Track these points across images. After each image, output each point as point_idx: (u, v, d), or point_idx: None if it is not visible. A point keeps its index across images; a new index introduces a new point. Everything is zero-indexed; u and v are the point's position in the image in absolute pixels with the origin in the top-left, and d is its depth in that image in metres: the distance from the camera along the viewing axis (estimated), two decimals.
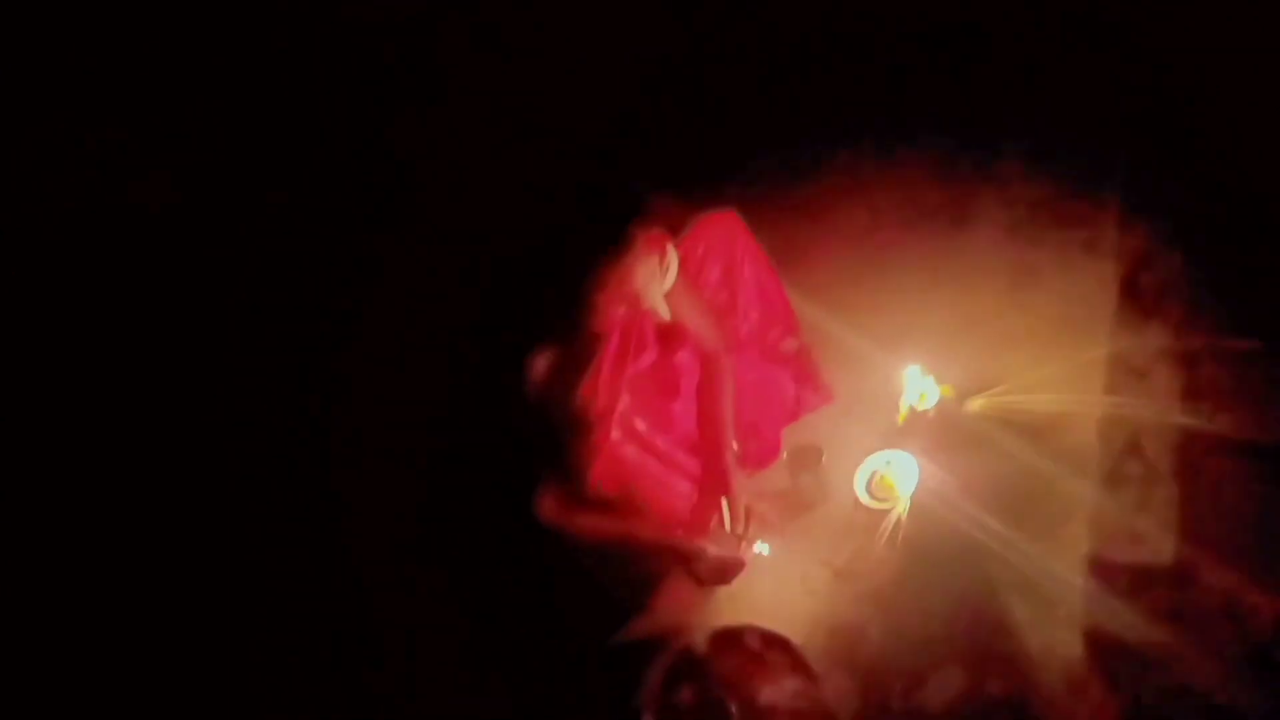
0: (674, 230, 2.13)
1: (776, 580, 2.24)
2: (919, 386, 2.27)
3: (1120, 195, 2.67)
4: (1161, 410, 2.14)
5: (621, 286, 1.94)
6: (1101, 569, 1.97)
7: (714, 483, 2.23)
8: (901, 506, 2.10)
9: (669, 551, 2.16)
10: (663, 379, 2.20)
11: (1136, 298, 2.42)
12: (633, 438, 2.14)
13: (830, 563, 2.24)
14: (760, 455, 2.45)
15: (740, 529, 2.17)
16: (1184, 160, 2.65)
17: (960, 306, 2.60)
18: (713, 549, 2.16)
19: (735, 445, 2.31)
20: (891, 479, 2.14)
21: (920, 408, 2.27)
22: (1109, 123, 2.84)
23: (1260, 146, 2.50)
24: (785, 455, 2.37)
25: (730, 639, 2.17)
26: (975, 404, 2.29)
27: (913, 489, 2.10)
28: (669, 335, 2.21)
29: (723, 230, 2.39)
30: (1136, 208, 2.62)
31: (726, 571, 2.19)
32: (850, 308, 2.71)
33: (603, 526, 2.18)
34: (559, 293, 1.93)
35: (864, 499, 2.14)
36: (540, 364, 2.05)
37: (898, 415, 2.31)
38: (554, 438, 2.08)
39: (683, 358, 2.21)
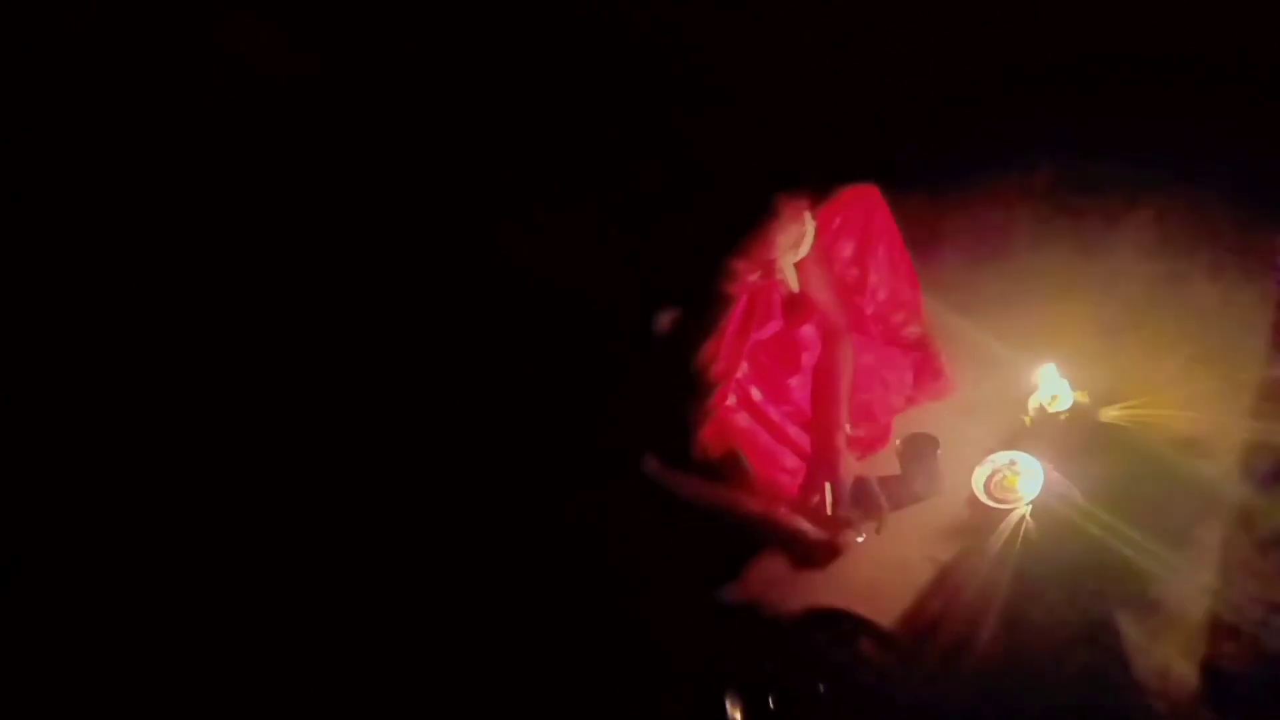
0: (814, 200, 2.07)
1: (875, 568, 2.17)
2: (1052, 388, 2.17)
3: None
4: None
5: (760, 252, 1.89)
6: (1228, 600, 1.85)
7: (823, 461, 2.18)
8: (1022, 509, 2.01)
9: (769, 525, 2.12)
10: (784, 350, 2.16)
11: None
12: (747, 405, 2.10)
13: (934, 558, 2.17)
14: (871, 441, 2.39)
15: (843, 512, 2.12)
16: None
17: (1101, 313, 2.49)
18: (813, 529, 2.12)
19: (848, 426, 2.26)
20: (1014, 480, 2.05)
21: (1051, 410, 2.17)
22: (1268, 129, 2.67)
23: None
24: (897, 443, 2.29)
25: (822, 620, 2.14)
26: (1110, 413, 2.18)
27: (1036, 492, 2.01)
28: (796, 306, 2.16)
29: (862, 205, 2.33)
30: None
31: (824, 555, 2.14)
32: (981, 304, 2.62)
33: (706, 489, 2.15)
34: (698, 252, 1.89)
35: (982, 497, 2.06)
36: (667, 320, 2.02)
37: (1025, 416, 2.22)
38: (669, 396, 2.05)
39: (807, 331, 2.17)
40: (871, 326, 2.43)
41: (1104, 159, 2.86)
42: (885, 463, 2.34)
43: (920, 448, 2.25)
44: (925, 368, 2.47)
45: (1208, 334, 2.34)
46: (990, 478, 2.09)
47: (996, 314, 2.57)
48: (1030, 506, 2.02)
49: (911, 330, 2.50)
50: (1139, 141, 2.83)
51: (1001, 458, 2.10)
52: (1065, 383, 2.18)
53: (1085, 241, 2.69)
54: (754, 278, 1.95)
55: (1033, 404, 2.22)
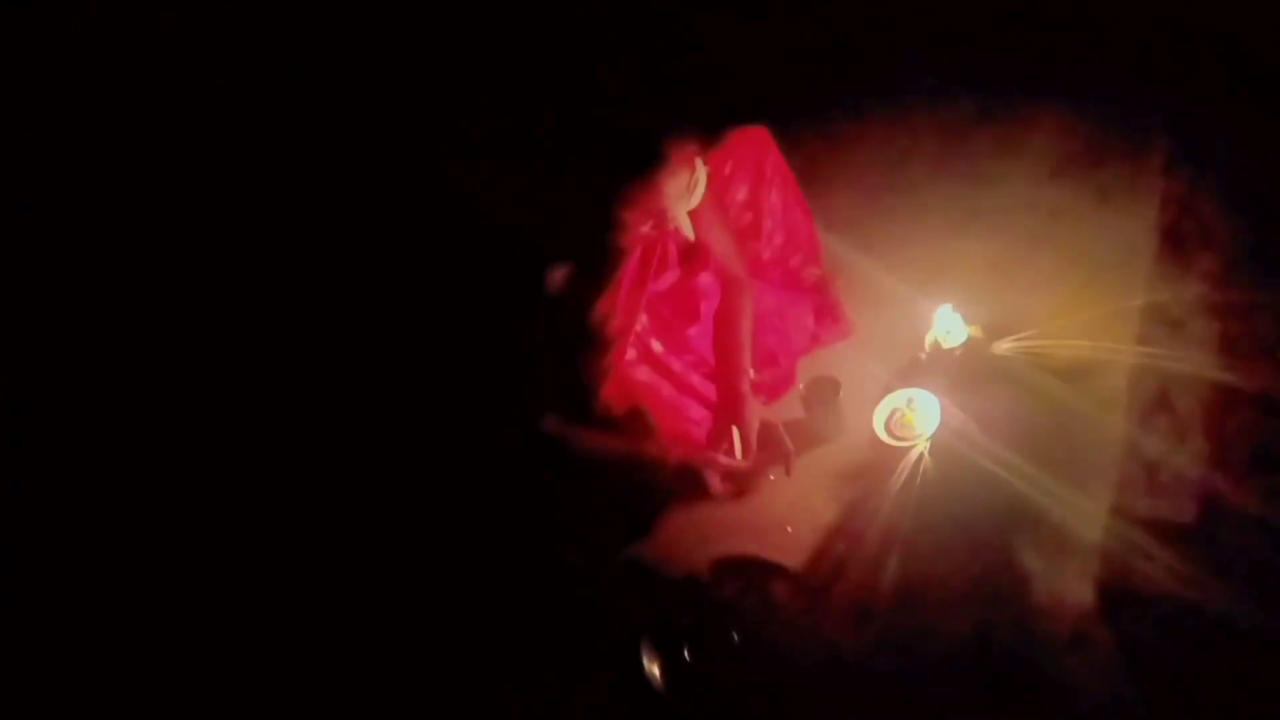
0: (704, 145, 2.03)
1: (784, 513, 2.19)
2: (947, 324, 2.19)
3: (1165, 138, 2.56)
4: (1195, 363, 2.06)
5: (650, 202, 1.84)
6: (1121, 521, 1.91)
7: (728, 409, 2.17)
8: (922, 445, 2.04)
9: (677, 473, 2.10)
10: (683, 300, 2.13)
11: (1176, 246, 2.33)
12: (648, 359, 2.07)
13: (839, 498, 2.19)
14: (775, 385, 2.39)
15: (751, 457, 2.12)
16: (1235, 104, 2.54)
17: (991, 246, 2.52)
18: (722, 475, 2.11)
19: (752, 372, 2.25)
20: (913, 417, 2.07)
21: (946, 346, 2.19)
22: (1156, 61, 2.72)
23: None
24: (801, 387, 2.30)
25: (734, 568, 2.15)
26: (1003, 346, 2.22)
27: (934, 429, 2.04)
28: (692, 255, 2.13)
29: (753, 148, 2.30)
30: (1181, 152, 2.51)
31: (733, 500, 2.14)
32: (876, 241, 2.64)
33: (611, 444, 2.13)
34: (585, 205, 1.83)
35: (883, 436, 2.07)
36: (559, 276, 1.97)
37: (921, 352, 2.24)
38: (565, 354, 2.00)
39: (704, 280, 2.14)
40: (770, 271, 2.41)
41: (994, 90, 2.88)
42: (789, 407, 2.36)
43: (823, 391, 2.26)
44: (825, 310, 2.48)
45: (1096, 262, 2.38)
46: (890, 416, 2.11)
47: (892, 251, 2.59)
48: (929, 443, 2.05)
49: (810, 272, 2.50)
50: (1028, 71, 2.86)
51: (900, 396, 2.12)
52: (959, 318, 2.20)
53: (978, 173, 2.71)
54: (646, 228, 1.91)
55: (928, 340, 2.24)
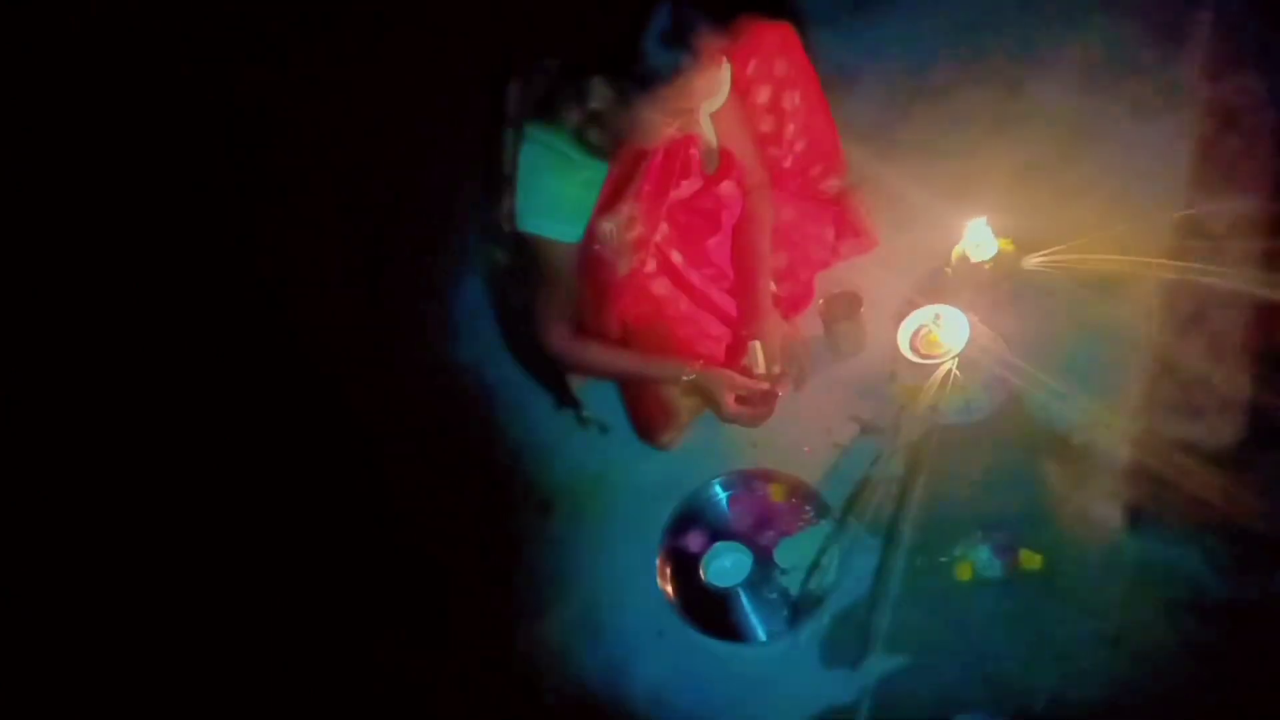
0: (729, 40, 1.90)
1: (802, 430, 2.14)
2: (977, 238, 2.10)
3: (1208, 43, 2.43)
4: (1233, 281, 1.98)
5: (680, 103, 1.73)
6: (1153, 443, 1.85)
7: (749, 323, 2.10)
8: (949, 363, 1.97)
9: (699, 379, 2.02)
10: (704, 210, 2.04)
11: (1217, 158, 2.23)
12: (667, 271, 1.99)
13: (859, 417, 2.13)
14: (794, 299, 2.32)
15: (774, 371, 2.06)
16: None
17: (1021, 155, 2.40)
18: (742, 379, 2.05)
19: (772, 284, 2.17)
20: (939, 334, 2.00)
21: (974, 260, 2.11)
22: None
23: None
24: (820, 302, 2.22)
25: (747, 482, 2.10)
26: (1034, 260, 2.13)
27: (962, 345, 1.97)
28: (714, 161, 2.03)
29: (774, 47, 2.14)
30: (1226, 58, 2.38)
31: (759, 402, 2.08)
32: (902, 151, 2.52)
33: (622, 359, 2.06)
34: (614, 102, 1.72)
35: (908, 354, 2.00)
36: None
37: (947, 266, 2.15)
38: (580, 263, 1.91)
39: (726, 188, 2.04)
40: (790, 180, 2.31)
41: None
42: (808, 322, 2.29)
43: (844, 306, 2.19)
44: (846, 222, 2.38)
45: (1131, 173, 2.28)
46: (915, 333, 2.04)
47: (917, 161, 2.48)
48: (956, 360, 1.98)
49: (831, 184, 2.40)
50: None
51: (925, 312, 2.04)
52: (989, 231, 2.11)
53: (1007, 81, 2.59)
54: (673, 130, 1.80)
55: (955, 254, 2.15)
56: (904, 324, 2.04)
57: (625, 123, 1.74)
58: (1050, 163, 2.37)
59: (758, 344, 2.06)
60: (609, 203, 1.86)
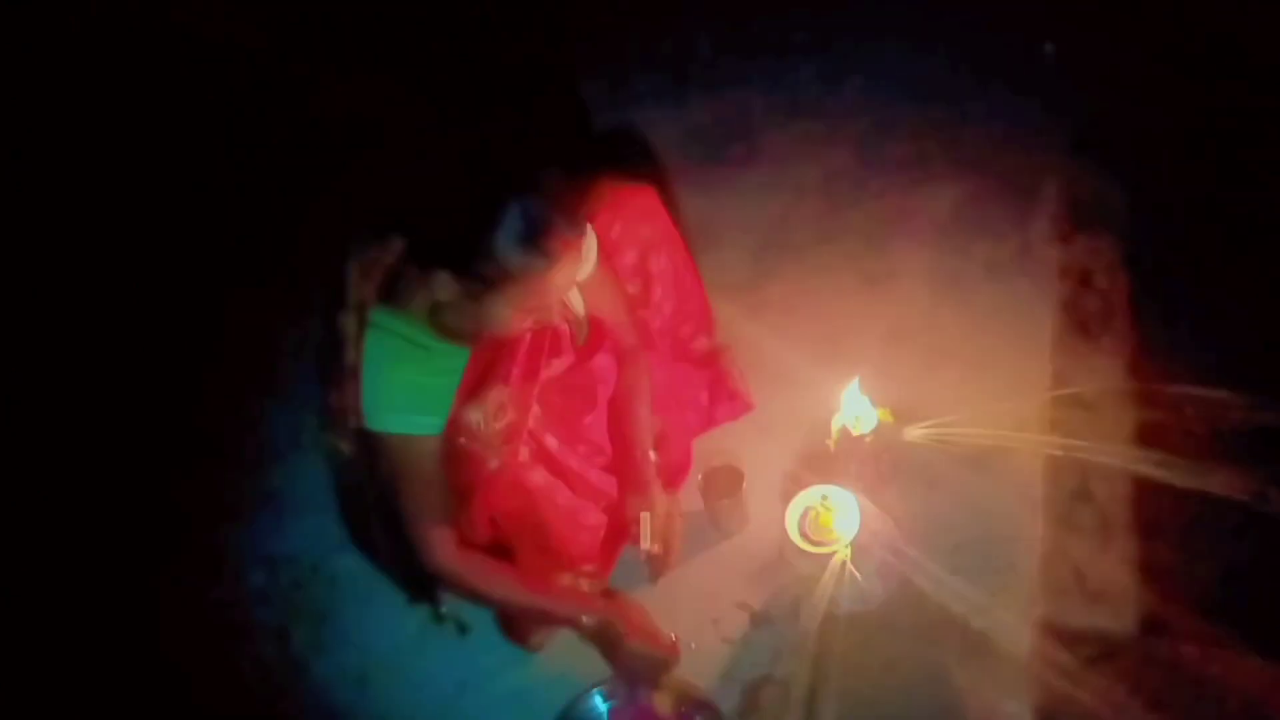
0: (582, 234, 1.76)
1: (685, 622, 1.96)
2: (855, 406, 2.01)
3: (1058, 200, 2.49)
4: (1112, 454, 1.96)
5: (536, 301, 1.58)
6: (1055, 633, 1.77)
7: (634, 495, 1.93)
8: (843, 552, 1.85)
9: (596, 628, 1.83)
10: (578, 387, 1.87)
11: (1079, 322, 2.25)
12: (542, 458, 1.80)
13: (747, 605, 1.98)
14: (671, 470, 2.16)
15: (659, 548, 1.89)
16: (1133, 159, 2.47)
17: (888, 316, 2.38)
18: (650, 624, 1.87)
19: (653, 454, 2.01)
20: (829, 518, 1.88)
21: (856, 432, 2.02)
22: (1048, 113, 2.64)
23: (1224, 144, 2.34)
24: (700, 477, 2.08)
25: (631, 690, 1.90)
26: (914, 433, 2.06)
27: (855, 532, 1.85)
28: (584, 333, 1.88)
29: (639, 209, 2.03)
30: (1077, 216, 2.44)
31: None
32: (769, 309, 2.46)
33: (516, 591, 1.82)
34: (463, 296, 1.54)
35: (799, 542, 1.87)
36: None
37: (827, 439, 2.05)
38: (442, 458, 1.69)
39: (601, 361, 1.89)
40: (659, 341, 2.18)
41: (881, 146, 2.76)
42: (687, 496, 2.13)
43: (725, 482, 2.05)
44: (720, 385, 2.27)
45: (991, 335, 2.27)
46: (803, 517, 1.90)
47: (784, 320, 2.43)
48: (849, 547, 1.85)
49: (700, 343, 2.28)
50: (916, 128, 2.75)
51: (812, 494, 1.92)
52: (867, 399, 2.03)
53: (867, 238, 2.57)
54: (528, 324, 1.64)
55: (835, 425, 2.06)
56: (791, 506, 1.91)
57: (477, 317, 1.56)
58: (916, 325, 2.35)
59: (647, 516, 1.90)
60: (473, 390, 1.66)
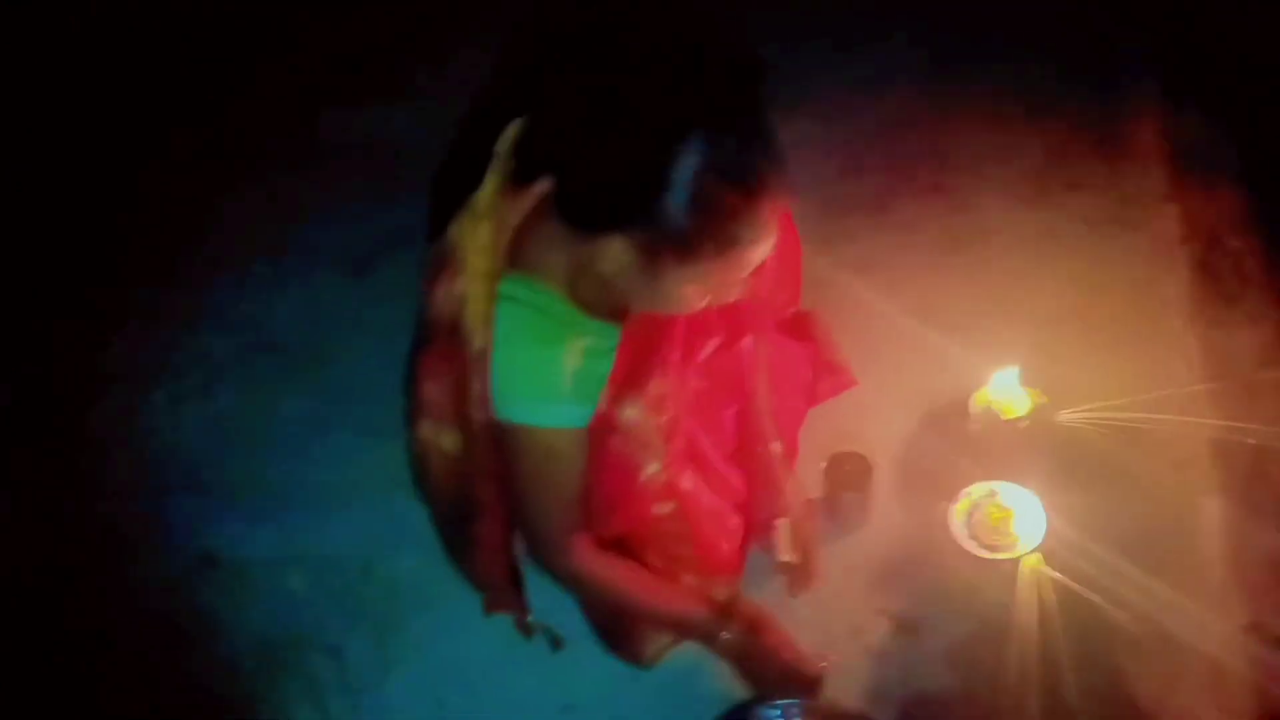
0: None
1: (821, 634, 1.71)
2: (1007, 390, 1.79)
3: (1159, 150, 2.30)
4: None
5: (729, 276, 1.25)
6: (1266, 640, 1.59)
7: (767, 497, 1.67)
8: (1031, 558, 1.62)
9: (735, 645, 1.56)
10: (724, 373, 1.58)
11: (1215, 286, 2.06)
12: (693, 457, 1.52)
13: (888, 611, 1.75)
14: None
15: (798, 558, 1.64)
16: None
17: (986, 281, 2.15)
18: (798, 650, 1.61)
19: (778, 446, 1.74)
20: (1002, 517, 1.65)
21: (1008, 416, 1.79)
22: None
23: None
24: (824, 464, 1.83)
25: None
26: (1067, 416, 1.85)
27: (1041, 532, 1.62)
28: (731, 311, 1.58)
29: None
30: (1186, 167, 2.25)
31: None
32: (850, 268, 2.21)
33: (654, 593, 1.54)
34: (636, 268, 1.21)
35: (972, 548, 1.64)
36: None
37: (971, 423, 1.82)
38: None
39: (747, 344, 1.60)
40: (763, 310, 1.90)
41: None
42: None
43: (854, 472, 1.81)
44: (821, 359, 2.01)
45: (1112, 303, 2.07)
46: (970, 517, 1.67)
47: (877, 280, 2.18)
48: (1037, 552, 1.63)
49: (791, 310, 2.01)
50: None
51: (978, 489, 1.69)
52: (1017, 382, 1.81)
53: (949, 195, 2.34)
54: (705, 304, 1.33)
55: (977, 406, 1.83)
56: (954, 506, 1.68)
57: (648, 293, 1.25)
58: (1026, 287, 2.13)
59: (785, 523, 1.65)
60: (628, 380, 1.36)
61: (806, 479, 1.85)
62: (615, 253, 1.17)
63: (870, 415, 1.97)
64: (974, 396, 1.83)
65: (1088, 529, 1.71)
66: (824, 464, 1.83)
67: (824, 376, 2.00)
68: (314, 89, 2.84)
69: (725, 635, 1.54)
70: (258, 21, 2.91)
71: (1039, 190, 2.35)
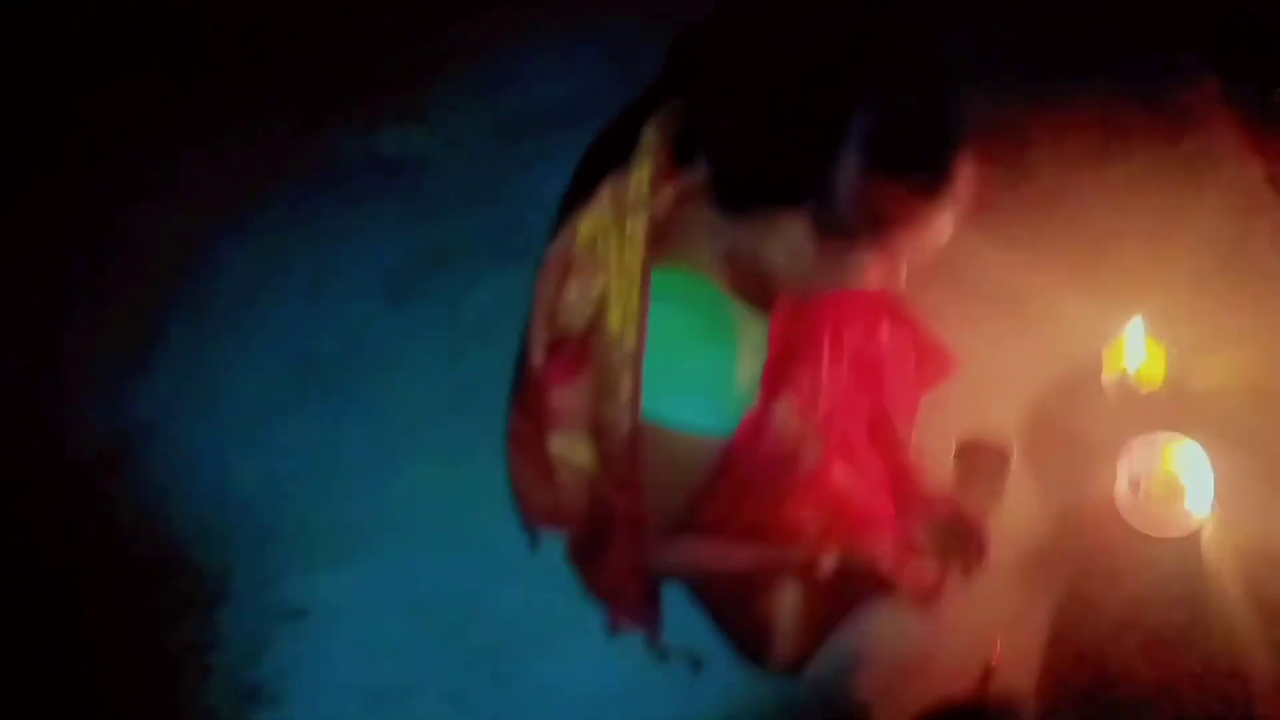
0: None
1: (969, 639, 1.60)
2: (1137, 345, 1.67)
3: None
4: None
5: (913, 242, 1.12)
6: None
7: (907, 491, 1.55)
8: (1205, 525, 1.50)
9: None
10: (866, 362, 1.46)
11: None
12: (843, 450, 1.40)
13: (1024, 611, 1.63)
14: None
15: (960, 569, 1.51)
16: None
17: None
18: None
19: (911, 436, 1.63)
20: (1171, 479, 1.52)
21: (1146, 376, 1.67)
22: None
23: None
24: (954, 455, 1.71)
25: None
26: (1203, 374, 1.73)
27: (1210, 499, 1.50)
28: (866, 297, 1.46)
29: None
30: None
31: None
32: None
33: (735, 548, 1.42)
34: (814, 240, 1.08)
35: (1141, 525, 1.50)
36: None
37: (1114, 378, 1.70)
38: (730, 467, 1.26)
39: (884, 330, 1.48)
40: None
41: None
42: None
43: (986, 461, 1.68)
44: (923, 343, 1.89)
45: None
46: (1135, 480, 1.54)
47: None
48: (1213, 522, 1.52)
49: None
50: None
51: (1139, 446, 1.56)
52: (1144, 337, 1.69)
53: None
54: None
55: (1110, 366, 1.71)
56: (1123, 466, 1.54)
57: (820, 270, 1.12)
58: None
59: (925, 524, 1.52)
60: (781, 373, 1.23)
61: (937, 472, 1.73)
62: (789, 231, 1.05)
63: (989, 393, 1.84)
64: (1106, 353, 1.71)
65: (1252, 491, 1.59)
66: (952, 455, 1.71)
67: (927, 363, 1.89)
68: (328, 109, 2.69)
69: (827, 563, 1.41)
70: (265, 43, 2.76)
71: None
